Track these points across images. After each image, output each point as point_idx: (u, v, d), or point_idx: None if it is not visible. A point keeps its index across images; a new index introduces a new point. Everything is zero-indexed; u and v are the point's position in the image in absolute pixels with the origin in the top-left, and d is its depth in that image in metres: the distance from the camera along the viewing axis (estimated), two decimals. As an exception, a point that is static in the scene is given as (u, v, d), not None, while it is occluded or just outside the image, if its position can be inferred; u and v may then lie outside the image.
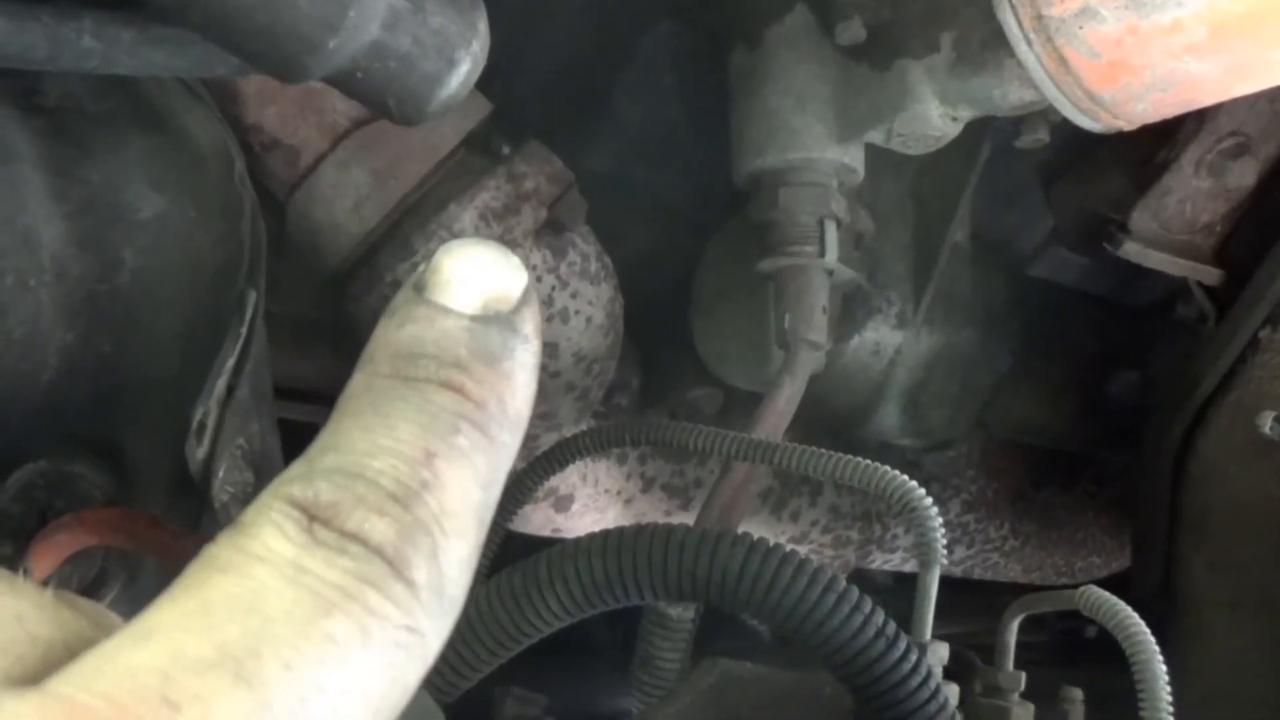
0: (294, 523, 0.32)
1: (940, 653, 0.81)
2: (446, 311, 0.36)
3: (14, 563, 0.68)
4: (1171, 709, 0.80)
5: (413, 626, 0.32)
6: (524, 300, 0.37)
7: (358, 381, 0.35)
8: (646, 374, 1.29)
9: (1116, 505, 1.64)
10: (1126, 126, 0.96)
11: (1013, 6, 0.89)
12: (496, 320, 0.36)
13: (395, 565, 0.32)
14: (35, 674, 0.31)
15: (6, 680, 0.30)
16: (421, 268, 0.37)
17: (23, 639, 0.32)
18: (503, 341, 0.36)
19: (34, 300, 0.70)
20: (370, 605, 0.31)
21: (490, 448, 0.35)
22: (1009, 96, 0.96)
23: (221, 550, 0.32)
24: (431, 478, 0.33)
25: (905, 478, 0.84)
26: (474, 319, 0.36)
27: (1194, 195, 1.25)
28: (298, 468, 0.33)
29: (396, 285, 1.00)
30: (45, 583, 0.34)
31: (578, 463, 1.10)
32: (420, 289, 0.36)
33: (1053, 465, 1.61)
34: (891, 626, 0.71)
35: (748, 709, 0.83)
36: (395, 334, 0.35)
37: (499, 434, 0.35)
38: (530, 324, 0.37)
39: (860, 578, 1.57)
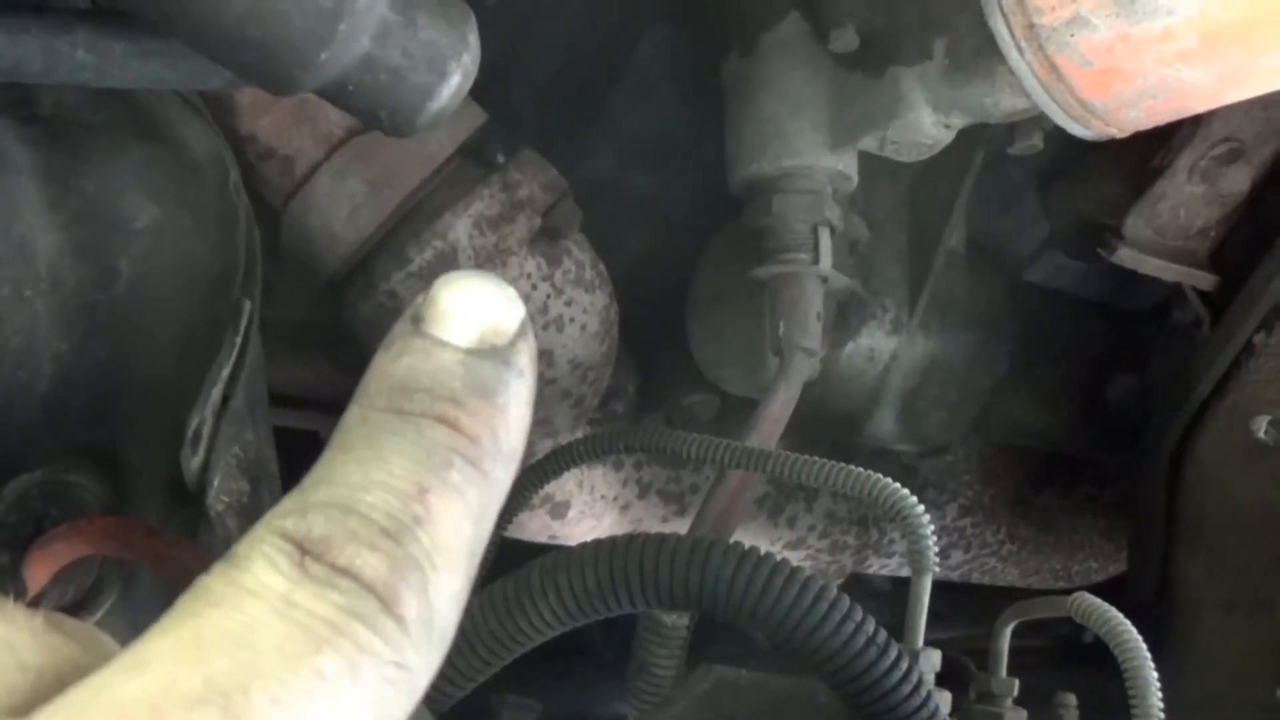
0: (286, 556, 0.32)
1: (933, 660, 0.82)
2: (443, 345, 0.36)
3: (11, 572, 0.68)
4: (1163, 715, 0.80)
5: (401, 663, 0.32)
6: (520, 334, 0.37)
7: (353, 414, 0.35)
8: (643, 380, 1.29)
9: (1114, 509, 1.64)
10: (1119, 133, 0.96)
11: (1004, 14, 0.89)
12: (491, 354, 0.36)
13: (385, 601, 0.32)
14: (25, 702, 0.31)
15: None
16: (420, 299, 0.37)
17: (12, 666, 0.32)
18: (497, 376, 0.36)
19: (30, 310, 0.71)
20: (359, 641, 0.31)
21: (483, 482, 0.35)
22: (1001, 104, 0.96)
23: (214, 582, 0.32)
24: (424, 513, 0.33)
25: (897, 485, 0.84)
26: (469, 352, 0.36)
27: (1188, 201, 1.26)
28: (291, 501, 0.33)
29: (392, 294, 1.01)
30: (37, 602, 0.34)
31: (574, 469, 1.10)
32: (417, 320, 0.36)
33: (1050, 469, 1.61)
34: (882, 634, 0.71)
35: (743, 715, 0.83)
36: (391, 366, 0.36)
37: (492, 469, 0.35)
38: (525, 358, 0.37)
39: (857, 583, 1.58)
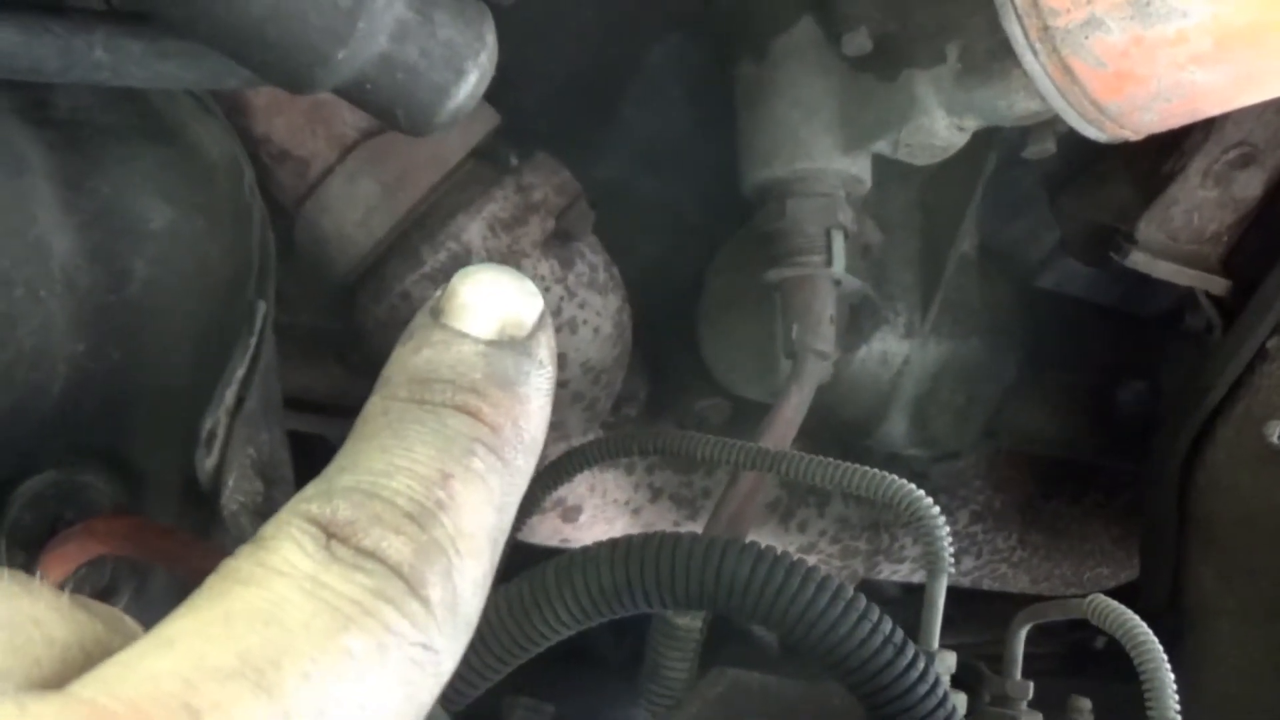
0: (312, 539, 0.32)
1: (948, 661, 0.81)
2: (463, 336, 0.36)
3: (25, 572, 0.68)
4: (1179, 718, 0.80)
5: (428, 644, 0.32)
6: (539, 326, 0.37)
7: (375, 404, 0.36)
8: (654, 384, 1.29)
9: (1125, 516, 1.64)
10: (1132, 136, 0.96)
11: (1019, 17, 0.89)
12: (512, 345, 0.37)
13: (411, 583, 0.32)
14: (52, 676, 0.31)
15: (25, 682, 0.31)
16: (439, 292, 0.37)
17: (40, 641, 0.32)
18: (518, 366, 0.36)
19: (44, 311, 0.71)
20: (387, 622, 0.31)
21: (505, 471, 0.35)
22: (1015, 107, 0.96)
23: (242, 563, 0.32)
24: (447, 499, 0.34)
25: (913, 487, 0.84)
26: (489, 344, 0.36)
27: (1201, 205, 1.25)
28: (316, 486, 0.34)
29: (405, 296, 1.01)
30: (61, 588, 0.35)
31: (586, 473, 1.10)
32: (437, 314, 0.37)
33: (1061, 475, 1.61)
34: (899, 634, 0.71)
35: (756, 718, 0.83)
36: (412, 358, 0.36)
37: (513, 458, 0.36)
38: (545, 349, 0.37)
39: (868, 588, 1.57)
